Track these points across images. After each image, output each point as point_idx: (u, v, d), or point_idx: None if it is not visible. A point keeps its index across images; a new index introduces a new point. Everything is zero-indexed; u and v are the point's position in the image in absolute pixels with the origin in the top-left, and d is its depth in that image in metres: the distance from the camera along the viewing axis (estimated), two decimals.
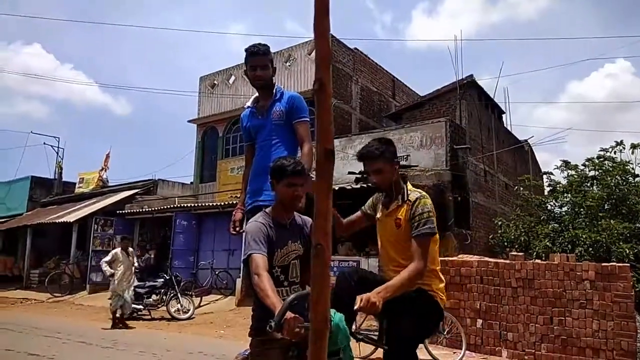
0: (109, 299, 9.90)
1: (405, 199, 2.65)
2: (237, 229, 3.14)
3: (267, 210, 2.51)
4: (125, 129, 75.20)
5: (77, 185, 21.53)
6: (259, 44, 3.10)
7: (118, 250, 9.76)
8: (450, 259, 8.51)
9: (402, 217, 2.62)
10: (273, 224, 2.39)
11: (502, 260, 8.15)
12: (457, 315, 7.62)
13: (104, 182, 20.66)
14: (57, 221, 16.91)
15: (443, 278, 2.85)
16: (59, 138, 23.61)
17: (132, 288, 9.95)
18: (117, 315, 9.55)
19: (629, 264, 7.28)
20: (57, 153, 22.74)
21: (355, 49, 17.55)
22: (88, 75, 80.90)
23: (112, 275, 9.38)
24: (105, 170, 20.87)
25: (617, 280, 6.70)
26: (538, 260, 8.14)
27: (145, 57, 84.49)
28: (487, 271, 7.77)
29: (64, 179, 22.74)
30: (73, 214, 16.92)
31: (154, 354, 6.86)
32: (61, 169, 22.38)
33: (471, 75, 15.36)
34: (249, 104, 3.25)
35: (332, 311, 1.94)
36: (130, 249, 10.06)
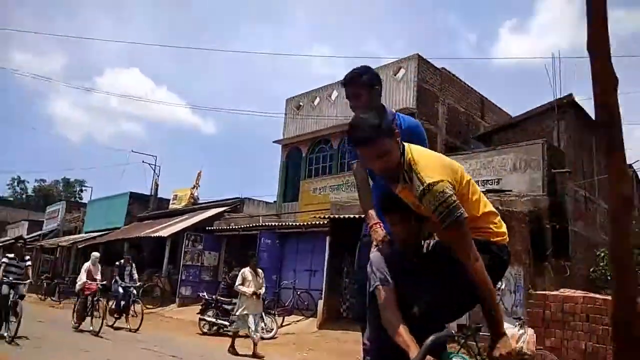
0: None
1: (406, 182, 2.11)
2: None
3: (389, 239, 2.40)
4: (213, 148, 79.19)
5: (171, 202, 22.83)
6: (354, 69, 2.77)
7: (246, 269, 8.94)
8: (552, 293, 7.87)
9: (417, 202, 2.10)
10: (395, 254, 2.27)
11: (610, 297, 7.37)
12: (559, 356, 6.97)
13: (195, 199, 21.72)
14: (152, 235, 17.94)
15: (495, 211, 2.31)
16: (156, 157, 25.28)
17: (260, 314, 9.02)
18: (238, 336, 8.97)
19: None
20: (154, 171, 24.32)
21: (443, 68, 17.15)
22: (180, 97, 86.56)
23: (255, 294, 8.63)
24: (197, 188, 21.95)
25: None
26: None
27: (233, 81, 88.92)
28: (594, 308, 7.07)
29: (158, 195, 24.23)
30: (167, 229, 17.88)
31: None
32: (157, 185, 23.87)
33: (570, 95, 14.39)
34: None
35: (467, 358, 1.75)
36: (260, 270, 9.21)
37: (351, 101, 2.83)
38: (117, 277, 11.60)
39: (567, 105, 14.15)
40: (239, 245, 17.77)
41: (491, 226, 2.25)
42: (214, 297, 12.19)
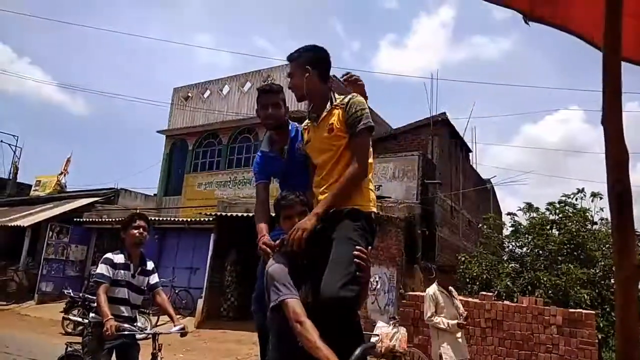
0: None
1: (334, 102, 2.50)
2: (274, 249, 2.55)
3: (283, 250, 2.38)
4: (85, 133, 72.83)
5: (33, 188, 20.55)
6: (272, 83, 3.04)
7: (434, 288, 5.65)
8: (422, 294, 8.55)
9: (335, 120, 2.42)
10: (291, 266, 2.21)
11: (472, 299, 8.27)
12: (425, 352, 7.63)
13: (62, 187, 19.82)
14: (9, 224, 16.01)
15: (373, 189, 2.59)
16: (17, 137, 22.58)
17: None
18: None
19: (594, 312, 7.52)
20: (15, 152, 21.74)
21: (333, 75, 17.72)
22: (46, 73, 78.28)
23: (460, 326, 5.44)
24: (65, 175, 20.05)
25: (583, 327, 6.91)
26: (507, 302, 8.31)
27: (108, 62, 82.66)
28: None
29: (18, 180, 21.72)
30: (27, 218, 16.09)
31: None
32: (17, 169, 21.35)
33: (444, 113, 15.80)
34: (264, 148, 2.91)
35: None
36: (452, 288, 5.88)
37: (269, 109, 2.83)
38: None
39: (441, 122, 15.51)
40: (111, 239, 16.63)
41: (373, 197, 2.48)
42: (80, 294, 11.31)
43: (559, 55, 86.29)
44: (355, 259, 2.09)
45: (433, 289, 5.62)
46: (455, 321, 5.34)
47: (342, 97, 2.52)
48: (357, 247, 2.14)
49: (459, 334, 5.45)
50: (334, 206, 2.28)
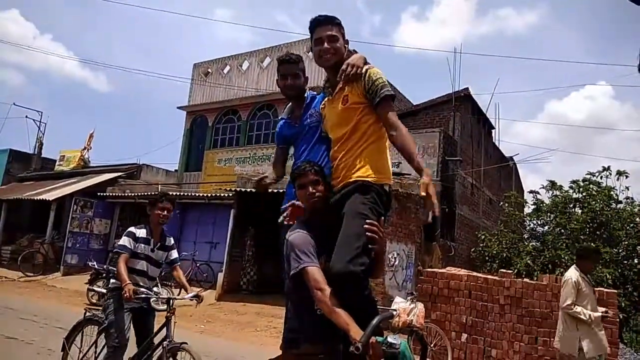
0: None
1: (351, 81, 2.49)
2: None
3: (301, 219, 2.39)
4: (108, 108, 73.72)
5: (57, 163, 20.99)
6: (291, 53, 3.05)
7: (576, 274, 5.00)
8: (440, 271, 8.54)
9: (350, 92, 2.43)
10: (311, 234, 2.20)
11: (491, 277, 8.21)
12: (443, 328, 7.64)
13: (85, 162, 20.19)
14: (35, 198, 16.43)
15: (388, 160, 2.52)
16: (42, 112, 22.95)
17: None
18: None
19: (616, 291, 7.42)
20: (39, 128, 22.15)
21: (354, 50, 17.47)
22: (68, 49, 79.07)
23: (604, 319, 5.15)
24: (88, 150, 20.41)
25: (604, 306, 6.80)
26: (527, 280, 8.23)
27: (129, 38, 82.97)
28: (476, 286, 7.80)
29: (42, 155, 22.18)
30: (52, 192, 16.46)
31: None
32: (42, 144, 21.78)
33: (467, 89, 15.48)
34: (283, 115, 3.04)
35: (400, 339, 1.86)
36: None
37: (288, 79, 2.92)
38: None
39: (463, 98, 15.22)
40: (134, 213, 16.95)
41: (387, 169, 2.46)
42: (104, 266, 11.59)
43: (586, 30, 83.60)
44: (367, 233, 2.07)
45: (575, 274, 5.00)
46: (599, 313, 4.95)
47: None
48: (367, 220, 2.11)
49: (600, 326, 5.03)
50: (416, 157, 2.33)
